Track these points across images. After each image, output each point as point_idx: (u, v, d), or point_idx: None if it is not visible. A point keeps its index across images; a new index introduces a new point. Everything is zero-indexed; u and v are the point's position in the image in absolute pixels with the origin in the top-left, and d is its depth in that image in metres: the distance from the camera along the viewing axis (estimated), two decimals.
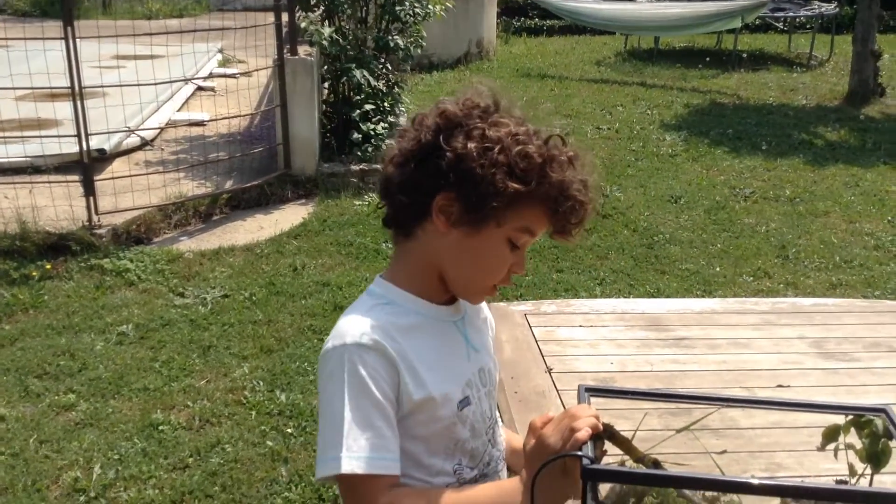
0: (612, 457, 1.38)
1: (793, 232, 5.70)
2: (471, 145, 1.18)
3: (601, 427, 1.23)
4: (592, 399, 1.41)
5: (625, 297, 4.60)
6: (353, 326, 1.21)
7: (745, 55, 12.13)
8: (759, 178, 6.88)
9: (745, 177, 6.90)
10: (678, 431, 1.44)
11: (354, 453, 1.15)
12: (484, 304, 1.46)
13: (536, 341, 2.13)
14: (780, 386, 2.06)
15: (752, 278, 4.95)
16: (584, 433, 1.18)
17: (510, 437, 1.54)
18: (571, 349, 2.11)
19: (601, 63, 12.03)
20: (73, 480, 2.96)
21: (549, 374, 1.96)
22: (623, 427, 1.80)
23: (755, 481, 1.12)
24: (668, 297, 4.62)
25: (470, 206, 1.20)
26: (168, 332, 4.09)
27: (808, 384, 2.06)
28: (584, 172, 1.25)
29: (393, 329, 1.22)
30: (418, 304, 1.28)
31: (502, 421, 1.44)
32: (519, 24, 14.72)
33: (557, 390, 1.88)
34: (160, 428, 3.30)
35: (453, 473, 1.28)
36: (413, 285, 1.29)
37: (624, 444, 1.41)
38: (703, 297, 4.65)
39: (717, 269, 5.07)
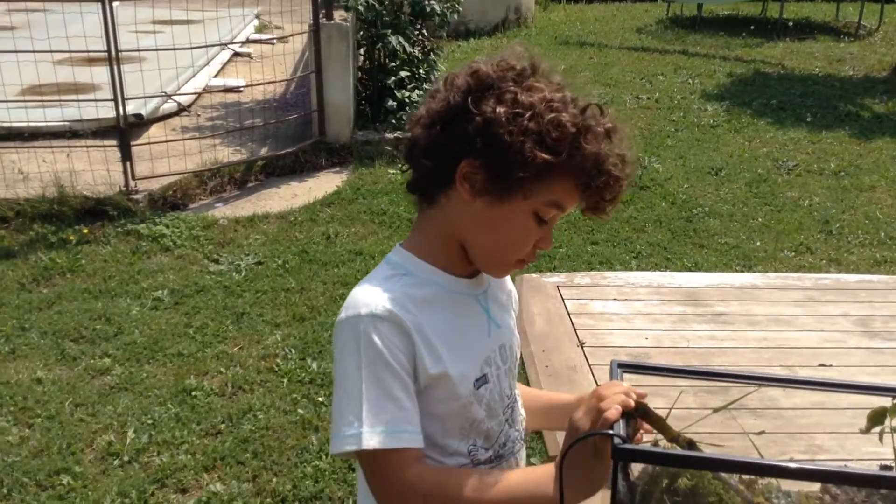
0: (646, 435, 1.34)
1: (837, 206, 5.55)
2: (500, 109, 1.11)
3: (633, 405, 1.18)
4: (626, 375, 1.37)
5: (661, 271, 4.52)
6: (368, 296, 1.17)
7: (790, 24, 11.79)
8: (802, 150, 6.71)
9: (788, 149, 6.73)
10: (715, 411, 1.39)
11: (375, 427, 1.11)
12: (508, 278, 1.40)
13: (569, 314, 2.09)
14: (821, 365, 1.99)
15: (793, 254, 4.83)
16: (613, 412, 1.13)
17: (550, 395, 1.50)
18: (605, 323, 2.07)
19: (642, 31, 11.79)
20: (107, 444, 2.99)
21: (581, 348, 1.92)
22: (657, 405, 1.76)
23: (794, 465, 1.07)
24: (706, 271, 4.52)
25: (495, 174, 1.13)
26: (202, 298, 4.11)
27: (852, 363, 1.99)
28: (621, 146, 1.17)
29: (409, 301, 1.17)
30: (438, 276, 1.23)
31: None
32: None
33: (589, 365, 1.84)
34: (193, 394, 3.32)
35: (468, 454, 1.24)
36: (433, 256, 1.23)
37: (658, 422, 1.37)
38: (742, 271, 4.56)
39: (758, 243, 4.95)
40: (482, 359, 1.24)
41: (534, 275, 2.33)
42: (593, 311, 2.13)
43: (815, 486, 1.22)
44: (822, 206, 5.54)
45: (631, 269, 4.54)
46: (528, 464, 1.41)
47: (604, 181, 1.14)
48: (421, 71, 6.63)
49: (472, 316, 1.25)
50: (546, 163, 1.11)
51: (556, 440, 1.61)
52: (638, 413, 1.35)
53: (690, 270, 4.55)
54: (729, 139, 6.97)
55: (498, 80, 1.14)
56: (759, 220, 5.31)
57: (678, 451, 1.22)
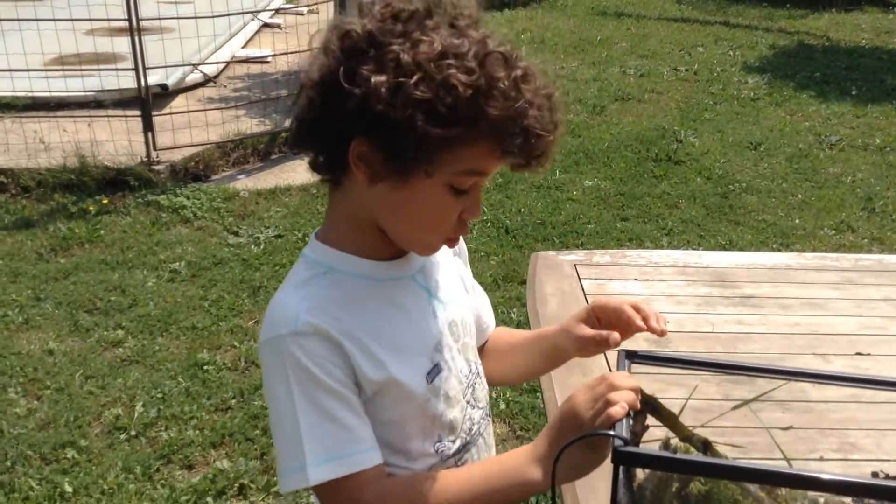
0: (656, 429, 1.21)
1: (881, 183, 5.30)
2: (378, 80, 0.91)
3: (639, 405, 1.05)
4: (635, 367, 1.24)
5: (694, 248, 4.34)
6: (286, 311, 1.01)
7: None
8: (846, 125, 6.44)
9: (831, 123, 6.46)
10: (735, 408, 1.26)
11: (319, 457, 0.98)
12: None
13: (585, 295, 1.95)
14: (858, 354, 1.84)
15: (833, 232, 4.62)
16: (617, 410, 0.99)
17: (537, 336, 1.34)
18: None
19: (682, 1, 11.45)
20: (114, 418, 2.93)
21: None
22: (675, 395, 1.62)
23: (825, 476, 0.93)
24: (741, 250, 4.34)
25: (390, 155, 0.95)
26: (220, 270, 4.04)
27: (893, 353, 1.83)
28: (540, 93, 0.98)
29: (334, 305, 1.02)
30: (361, 266, 1.07)
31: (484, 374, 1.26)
32: None
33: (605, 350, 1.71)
34: (205, 368, 3.25)
35: (436, 453, 1.12)
36: (352, 243, 1.07)
37: (669, 419, 1.23)
38: (779, 250, 4.37)
39: (797, 220, 4.75)
40: (431, 347, 1.10)
41: (550, 252, 2.19)
42: (612, 291, 1.99)
43: None
44: (866, 183, 5.30)
45: (662, 247, 4.38)
46: (495, 438, 1.30)
47: (522, 142, 0.96)
48: None
49: (410, 302, 1.11)
50: (442, 138, 0.92)
51: (556, 401, 1.50)
52: (647, 407, 1.22)
53: (725, 248, 4.37)
54: (769, 113, 6.71)
55: (378, 37, 0.94)
56: (799, 196, 5.09)
57: (686, 455, 1.09)
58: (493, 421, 3.01)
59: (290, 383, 0.99)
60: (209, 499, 2.59)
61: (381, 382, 1.03)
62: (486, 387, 1.24)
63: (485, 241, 4.43)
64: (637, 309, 1.18)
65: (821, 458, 1.47)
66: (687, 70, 7.89)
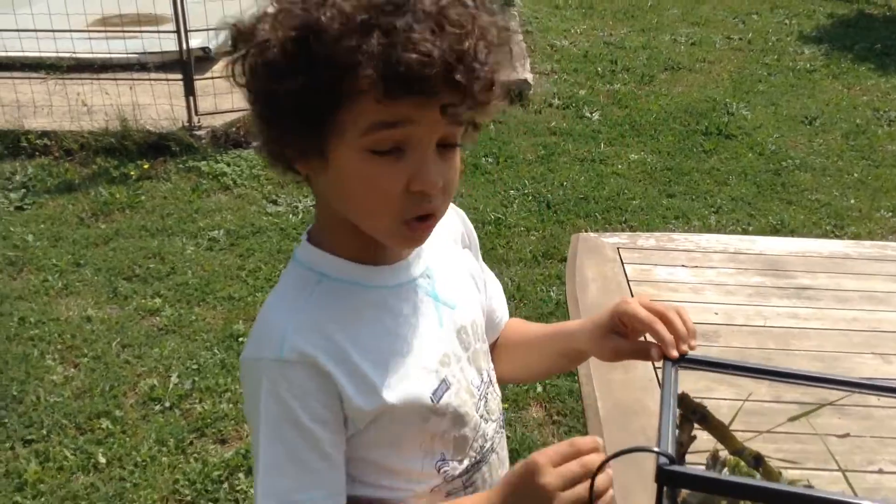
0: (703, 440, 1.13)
1: None
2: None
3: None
4: (682, 371, 1.15)
5: (743, 228, 4.20)
6: (275, 329, 0.93)
7: None
8: None
9: (891, 98, 6.19)
10: (792, 419, 1.17)
11: (270, 500, 0.92)
12: (455, 219, 1.15)
13: (628, 281, 1.86)
14: None
15: (890, 214, 4.43)
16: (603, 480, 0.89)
17: (554, 331, 1.24)
18: (669, 293, 1.83)
19: None
20: (149, 388, 2.93)
21: None
22: (722, 395, 1.53)
23: None
24: (792, 230, 4.19)
25: (279, 135, 0.90)
26: (257, 239, 4.01)
27: None
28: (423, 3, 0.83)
29: (326, 321, 0.93)
30: (356, 272, 0.97)
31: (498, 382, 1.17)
32: None
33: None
34: (240, 339, 3.23)
35: (438, 473, 1.01)
36: (342, 245, 0.97)
37: (718, 429, 1.15)
38: (833, 232, 4.20)
39: (852, 201, 4.56)
40: (437, 361, 1.00)
41: (591, 234, 2.11)
42: (657, 278, 1.90)
43: None
44: None
45: (709, 225, 4.24)
46: (511, 451, 1.19)
47: (396, 75, 0.80)
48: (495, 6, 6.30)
49: (414, 311, 1.00)
50: (294, 93, 0.83)
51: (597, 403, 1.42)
52: (695, 416, 1.14)
53: (776, 229, 4.22)
54: (826, 86, 6.46)
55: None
56: (855, 175, 4.90)
57: (737, 478, 1.00)
58: (530, 405, 2.96)
59: (261, 414, 0.92)
60: (241, 475, 2.57)
61: (374, 412, 0.94)
62: (499, 394, 1.14)
63: (525, 215, 4.34)
64: (668, 323, 1.03)
65: (879, 471, 1.38)
66: (740, 39, 7.63)
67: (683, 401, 1.10)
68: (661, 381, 1.03)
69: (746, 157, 5.11)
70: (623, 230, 4.18)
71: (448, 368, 1.01)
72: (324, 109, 0.85)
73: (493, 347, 1.20)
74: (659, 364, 1.51)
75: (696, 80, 6.52)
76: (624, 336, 1.07)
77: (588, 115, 5.69)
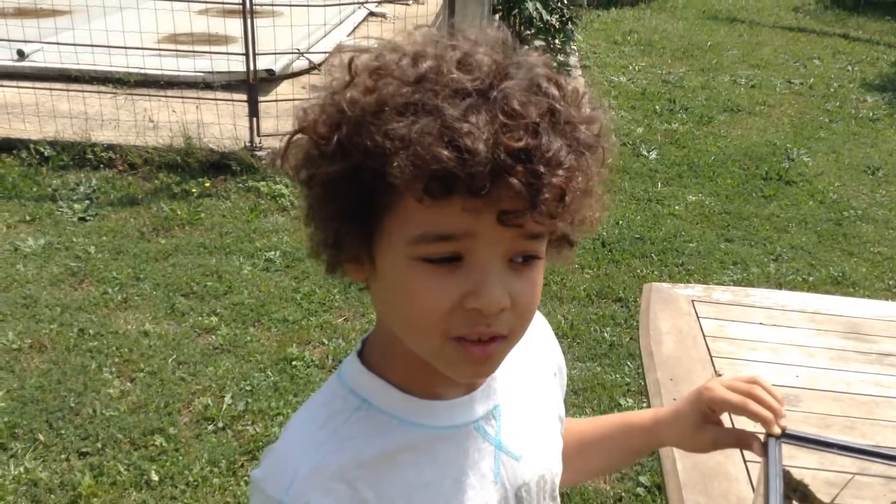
0: None
1: None
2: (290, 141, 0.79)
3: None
4: (785, 448, 1.12)
5: (803, 278, 4.12)
6: (287, 465, 0.79)
7: None
8: None
9: None
10: None
11: None
12: (552, 347, 1.00)
13: (704, 336, 1.83)
14: None
15: None
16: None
17: (618, 424, 1.11)
18: (748, 351, 1.79)
19: (799, 9, 11.00)
20: (203, 407, 2.94)
21: None
22: (804, 463, 1.49)
23: None
24: (853, 283, 4.10)
25: (326, 234, 0.78)
26: (312, 263, 4.01)
27: None
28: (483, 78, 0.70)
29: (352, 465, 0.78)
30: (403, 407, 0.81)
31: None
32: None
33: None
34: (293, 363, 3.24)
35: None
36: (395, 369, 0.82)
37: None
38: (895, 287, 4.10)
39: None
40: None
41: (664, 284, 2.07)
42: (734, 335, 1.86)
43: None
44: None
45: (769, 273, 4.17)
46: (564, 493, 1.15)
47: (445, 172, 0.66)
48: (556, 41, 6.34)
49: (465, 460, 0.83)
50: (331, 182, 0.73)
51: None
52: (797, 494, 1.11)
53: (837, 280, 4.13)
54: (889, 135, 6.35)
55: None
56: None
57: None
58: None
59: None
60: None
61: None
62: None
63: (580, 252, 4.30)
64: (760, 401, 0.98)
65: None
66: (801, 83, 7.56)
67: (784, 477, 1.07)
68: (765, 457, 1.00)
69: (807, 204, 5.03)
70: (680, 273, 4.13)
71: None
72: (368, 207, 0.74)
73: None
74: (740, 425, 1.47)
75: (755, 123, 6.46)
76: (717, 423, 1.03)
77: (645, 153, 5.66)
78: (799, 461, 1.49)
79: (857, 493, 1.40)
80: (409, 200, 0.70)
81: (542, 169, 0.68)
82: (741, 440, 1.02)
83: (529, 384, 0.92)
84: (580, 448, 1.08)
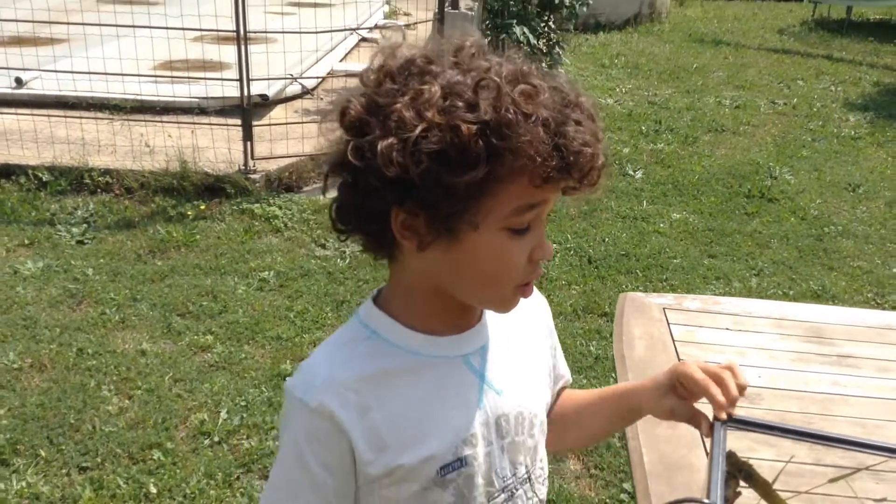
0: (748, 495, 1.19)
1: None
2: (383, 145, 0.87)
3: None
4: (729, 431, 1.22)
5: (784, 292, 4.23)
6: (310, 374, 1.00)
7: None
8: None
9: None
10: (832, 481, 1.23)
11: None
12: (545, 310, 1.20)
13: (674, 341, 1.93)
14: None
15: None
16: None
17: (612, 393, 1.24)
18: (714, 354, 1.90)
19: (784, 32, 11.20)
20: (199, 423, 3.03)
21: None
22: (764, 455, 1.59)
23: None
24: (833, 297, 4.21)
25: (428, 217, 0.90)
26: (305, 282, 4.13)
27: None
28: (561, 104, 0.91)
29: (360, 377, 0.98)
30: (407, 339, 1.01)
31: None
32: None
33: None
34: (287, 378, 3.32)
35: None
36: (408, 313, 1.01)
37: (763, 487, 1.21)
38: (874, 300, 4.21)
39: (895, 269, 4.57)
40: (459, 439, 1.01)
41: (638, 293, 2.18)
42: (702, 339, 1.96)
43: None
44: None
45: (751, 288, 4.28)
46: (569, 474, 1.26)
47: (560, 162, 0.89)
48: (544, 65, 6.47)
49: (451, 385, 1.02)
50: (471, 183, 0.86)
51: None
52: (741, 473, 1.20)
53: (817, 294, 4.24)
54: (870, 153, 6.50)
55: (379, 100, 0.90)
56: None
57: None
58: (568, 457, 3.00)
59: (281, 442, 1.02)
60: None
61: (381, 469, 0.99)
62: (540, 496, 1.13)
63: (567, 269, 4.41)
64: (723, 385, 1.08)
65: None
66: (785, 104, 7.72)
67: (730, 458, 1.17)
68: (706, 438, 1.10)
69: (789, 221, 5.15)
70: (664, 288, 4.23)
71: (471, 449, 1.01)
72: (480, 192, 0.88)
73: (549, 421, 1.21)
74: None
75: (739, 142, 6.60)
76: (682, 398, 1.11)
77: (631, 172, 5.78)
78: (759, 453, 1.59)
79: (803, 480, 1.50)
80: (518, 185, 0.90)
81: (591, 150, 0.92)
82: (693, 417, 1.11)
83: (518, 335, 1.11)
84: (579, 412, 1.24)
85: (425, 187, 0.87)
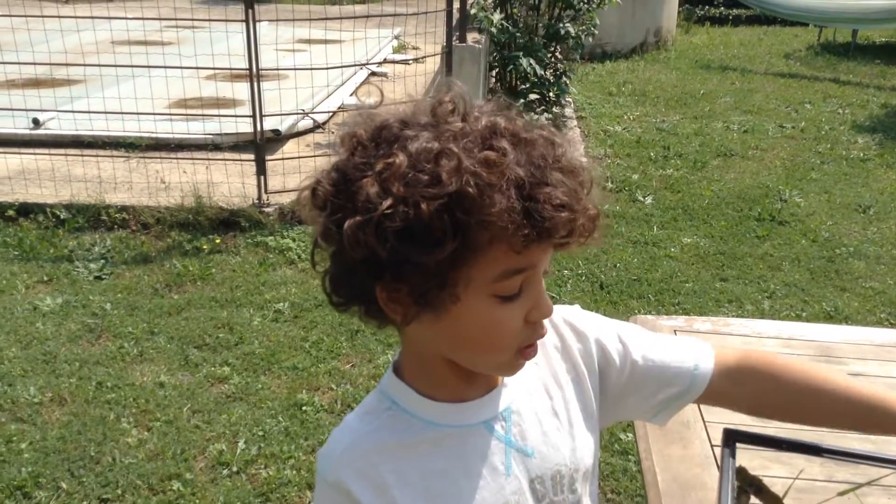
0: None
1: None
2: (348, 225, 0.83)
3: None
4: (741, 447, 1.25)
5: (797, 314, 4.24)
6: (332, 446, 0.98)
7: None
8: None
9: None
10: (841, 494, 1.25)
11: None
12: (549, 342, 1.06)
13: None
14: None
15: None
16: None
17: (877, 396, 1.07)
18: None
19: (790, 56, 11.27)
20: (218, 453, 3.06)
21: (697, 402, 1.78)
22: (777, 473, 1.61)
23: None
24: (846, 318, 4.22)
25: (408, 293, 0.87)
26: (320, 312, 4.17)
27: None
28: (536, 162, 0.85)
29: (378, 451, 0.95)
30: (424, 408, 0.97)
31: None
32: (702, 12, 14.08)
33: (704, 421, 1.71)
34: (304, 408, 3.36)
35: None
36: (424, 381, 0.98)
37: (773, 501, 1.24)
38: (887, 320, 4.22)
39: None
40: None
41: (649, 316, 2.20)
42: None
43: None
44: None
45: (763, 310, 4.29)
46: None
47: (535, 229, 0.83)
48: (551, 94, 6.56)
49: (477, 454, 0.97)
50: (441, 261, 0.82)
51: None
52: (752, 488, 1.23)
53: (829, 315, 4.25)
54: (880, 175, 6.51)
55: (349, 173, 0.87)
56: None
57: None
58: None
59: None
60: None
61: None
62: None
63: (578, 295, 4.44)
64: None
65: None
66: (793, 127, 7.75)
67: (741, 473, 1.20)
68: (720, 456, 1.13)
69: (800, 243, 5.17)
70: (677, 312, 4.25)
71: None
72: (456, 265, 0.84)
73: (723, 388, 1.08)
74: (716, 442, 1.60)
75: (748, 167, 6.63)
76: None
77: (641, 198, 5.82)
78: (771, 471, 1.61)
79: (814, 496, 1.51)
80: (497, 251, 0.84)
81: (588, 206, 0.88)
82: None
83: (550, 385, 1.04)
84: (801, 393, 1.07)
85: (395, 265, 0.83)
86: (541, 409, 1.02)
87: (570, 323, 1.08)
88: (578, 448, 1.04)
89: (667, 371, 1.07)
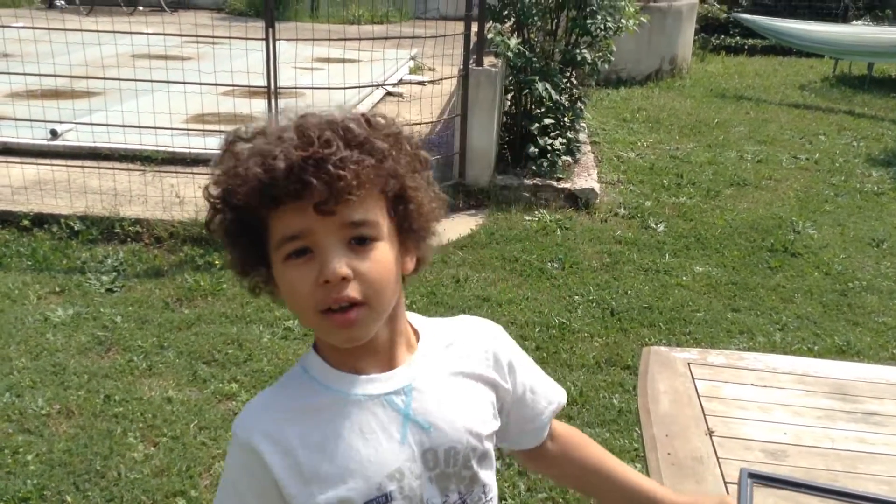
0: None
1: None
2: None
3: None
4: (758, 487, 1.23)
5: (808, 347, 4.21)
6: (248, 409, 1.12)
7: None
8: None
9: None
10: None
11: None
12: (485, 343, 1.23)
13: (699, 397, 1.94)
14: None
15: None
16: None
17: (634, 479, 1.37)
18: (738, 411, 1.90)
19: (805, 87, 11.27)
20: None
21: (710, 437, 1.77)
22: None
23: None
24: (858, 352, 4.18)
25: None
26: None
27: None
28: (277, 134, 1.04)
29: (283, 414, 1.07)
30: (331, 378, 1.09)
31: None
32: (718, 41, 14.11)
33: (717, 458, 1.69)
34: None
35: None
36: (336, 354, 1.10)
37: None
38: None
39: None
40: (383, 474, 1.06)
41: (663, 348, 2.19)
42: (726, 395, 1.97)
43: None
44: None
45: (775, 343, 4.26)
46: None
47: (270, 187, 0.99)
48: (566, 119, 6.57)
49: (373, 423, 1.08)
50: (229, 229, 1.07)
51: None
52: None
53: (841, 350, 4.22)
54: (894, 209, 6.48)
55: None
56: None
57: None
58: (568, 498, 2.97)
59: (222, 475, 1.14)
60: None
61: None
62: None
63: (589, 321, 4.42)
64: None
65: None
66: (807, 159, 7.74)
67: None
68: (736, 495, 1.12)
69: (812, 276, 5.14)
70: (687, 342, 4.22)
71: (397, 483, 1.07)
72: (255, 236, 1.04)
73: (552, 439, 1.33)
74: (729, 479, 1.58)
75: (762, 197, 6.62)
76: None
77: (653, 225, 5.81)
78: None
79: None
80: (273, 221, 1.01)
81: (332, 168, 0.97)
82: None
83: (450, 375, 1.15)
84: (585, 473, 1.35)
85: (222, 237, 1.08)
86: (444, 392, 1.13)
87: (495, 336, 1.26)
88: (479, 431, 1.14)
89: (532, 403, 1.26)
